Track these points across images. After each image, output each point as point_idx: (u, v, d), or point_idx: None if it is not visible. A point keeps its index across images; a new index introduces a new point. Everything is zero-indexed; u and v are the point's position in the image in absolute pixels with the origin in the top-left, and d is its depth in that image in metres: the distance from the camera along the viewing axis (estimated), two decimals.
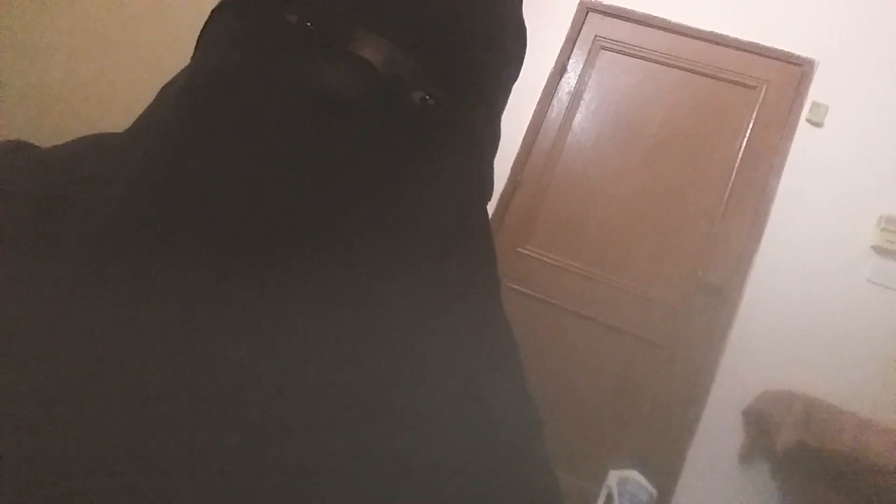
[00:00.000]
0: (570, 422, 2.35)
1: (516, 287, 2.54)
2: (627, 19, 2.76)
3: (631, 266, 2.51)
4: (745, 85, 2.58)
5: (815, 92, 2.50)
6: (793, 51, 2.55)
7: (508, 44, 0.39)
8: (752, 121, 2.54)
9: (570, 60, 2.78)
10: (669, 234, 2.50)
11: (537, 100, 2.75)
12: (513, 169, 2.69)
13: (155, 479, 0.25)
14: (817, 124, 2.48)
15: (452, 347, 0.36)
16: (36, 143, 0.37)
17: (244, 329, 0.28)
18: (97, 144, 0.38)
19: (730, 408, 2.29)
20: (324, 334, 0.30)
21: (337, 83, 0.31)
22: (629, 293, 2.48)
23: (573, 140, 2.71)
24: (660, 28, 2.70)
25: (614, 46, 2.76)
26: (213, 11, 0.37)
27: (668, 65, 2.67)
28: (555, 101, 2.76)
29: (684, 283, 2.44)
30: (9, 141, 0.37)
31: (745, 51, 2.60)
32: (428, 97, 0.33)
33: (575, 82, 2.76)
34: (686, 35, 2.67)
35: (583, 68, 2.76)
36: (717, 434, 2.28)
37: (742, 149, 2.52)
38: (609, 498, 1.99)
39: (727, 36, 2.63)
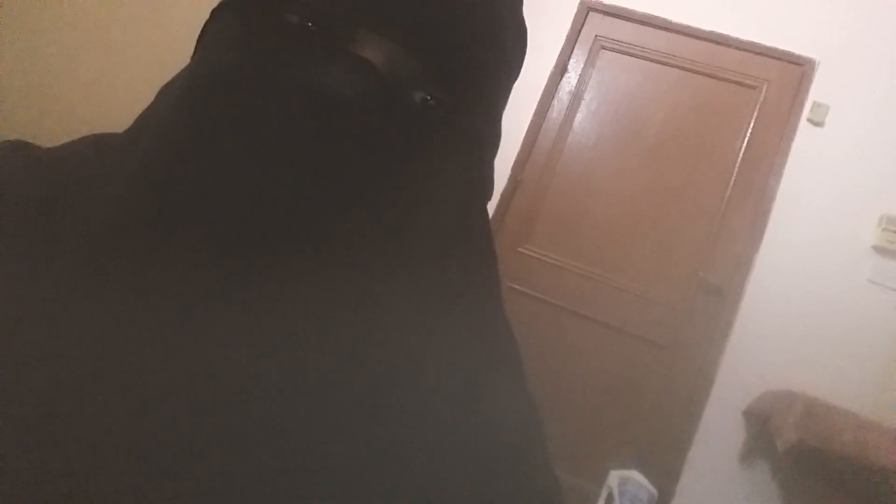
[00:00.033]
0: (571, 422, 2.35)
1: (517, 287, 2.54)
2: (628, 19, 2.76)
3: (631, 266, 2.51)
4: (745, 85, 2.58)
5: (816, 92, 2.50)
6: (793, 50, 2.55)
7: (509, 44, 0.39)
8: (753, 120, 2.54)
9: (571, 60, 2.78)
10: (670, 233, 2.50)
11: (538, 99, 2.75)
12: (513, 169, 2.69)
13: (155, 480, 0.25)
14: (818, 124, 2.48)
15: (453, 347, 0.36)
16: (36, 143, 0.37)
17: (244, 329, 0.28)
18: (97, 144, 0.38)
19: (730, 408, 2.29)
20: (324, 334, 0.30)
21: (338, 83, 0.31)
22: (629, 293, 2.48)
23: (574, 140, 2.71)
24: (660, 28, 2.70)
25: (615, 46, 2.76)
26: (213, 11, 0.37)
27: (668, 64, 2.67)
28: (555, 101, 2.76)
29: (685, 282, 2.44)
30: (9, 141, 0.37)
31: (745, 51, 2.60)
32: (429, 97, 0.33)
33: (575, 82, 2.76)
34: (687, 35, 2.67)
35: (583, 68, 2.76)
36: (718, 434, 2.28)
37: (743, 148, 2.52)
38: (610, 498, 1.99)
39: (728, 36, 2.63)
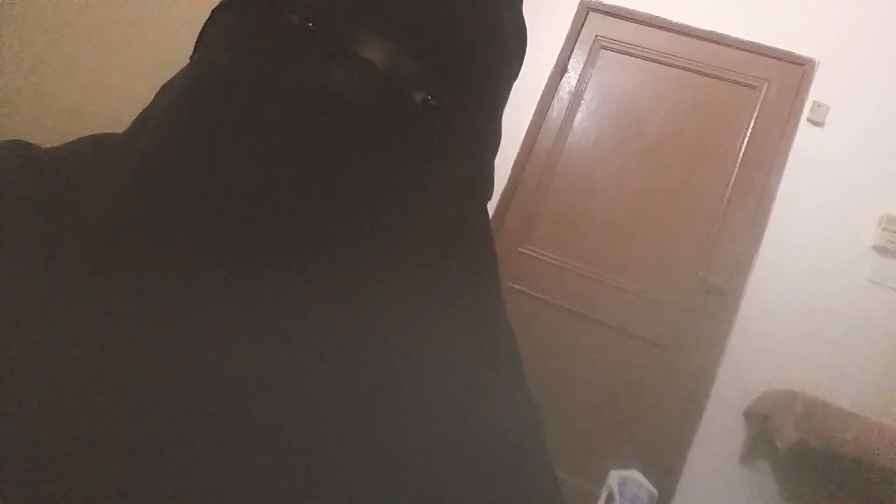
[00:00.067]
0: (571, 422, 2.35)
1: (517, 287, 2.54)
2: (628, 19, 2.76)
3: (632, 266, 2.51)
4: (746, 84, 2.58)
5: (816, 91, 2.51)
6: (794, 50, 2.55)
7: (509, 44, 0.39)
8: (753, 120, 2.54)
9: (571, 60, 2.78)
10: (670, 233, 2.50)
11: (538, 99, 2.75)
12: (513, 169, 2.69)
13: (155, 480, 0.25)
14: (818, 124, 2.48)
15: (453, 347, 0.36)
16: (36, 143, 0.37)
17: (244, 329, 0.28)
18: (97, 144, 0.38)
19: (731, 408, 2.29)
20: (324, 334, 0.30)
21: (339, 84, 0.31)
22: (630, 293, 2.48)
23: (574, 140, 2.71)
24: (660, 28, 2.70)
25: (615, 46, 2.76)
26: (213, 11, 0.37)
27: (668, 64, 2.67)
28: (555, 101, 2.76)
29: (685, 282, 2.44)
30: (9, 141, 0.36)
31: (745, 50, 2.60)
32: (429, 97, 0.33)
33: (575, 82, 2.76)
34: (687, 35, 2.67)
35: (583, 68, 2.76)
36: (718, 434, 2.28)
37: (743, 148, 2.52)
38: (610, 498, 1.99)
39: (728, 35, 2.63)
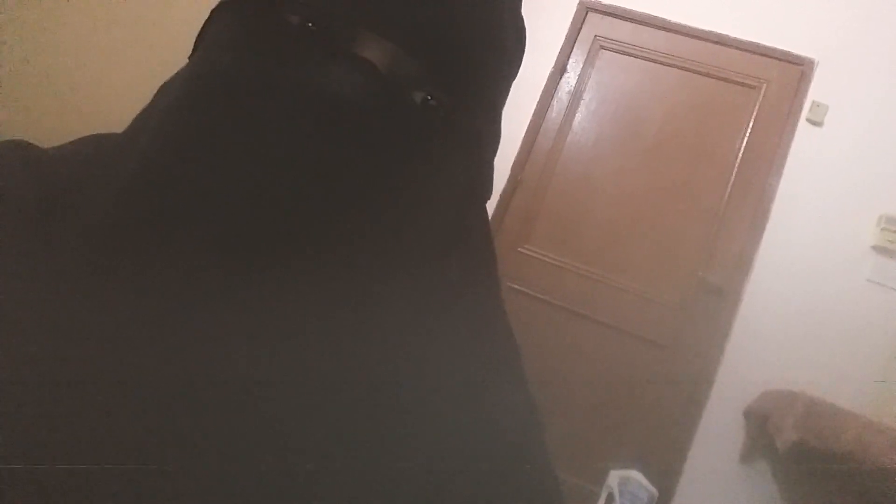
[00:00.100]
0: (571, 422, 2.35)
1: (516, 287, 2.54)
2: (627, 19, 2.76)
3: (631, 266, 2.51)
4: (745, 84, 2.58)
5: (815, 91, 2.51)
6: (793, 50, 2.55)
7: (508, 44, 0.39)
8: (752, 120, 2.54)
9: (570, 60, 2.78)
10: (669, 233, 2.51)
11: (537, 100, 2.75)
12: (513, 169, 2.69)
13: (155, 480, 0.25)
14: (817, 124, 2.48)
15: (453, 348, 0.36)
16: (36, 143, 0.37)
17: (245, 329, 0.28)
18: (97, 144, 0.38)
19: (730, 408, 2.29)
20: (324, 334, 0.30)
21: (338, 83, 0.31)
22: (629, 293, 2.48)
23: (573, 140, 2.71)
24: (659, 28, 2.70)
25: (614, 46, 2.76)
26: (212, 11, 0.37)
27: (667, 64, 2.67)
28: (555, 101, 2.76)
29: (684, 282, 2.44)
30: (9, 141, 0.36)
31: (745, 50, 2.60)
32: (429, 97, 0.33)
33: (575, 82, 2.76)
34: (686, 35, 2.67)
35: (582, 68, 2.76)
36: (718, 434, 2.28)
37: (742, 148, 2.52)
38: (610, 498, 1.99)
39: (727, 35, 2.63)
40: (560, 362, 2.44)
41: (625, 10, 2.76)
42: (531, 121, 2.73)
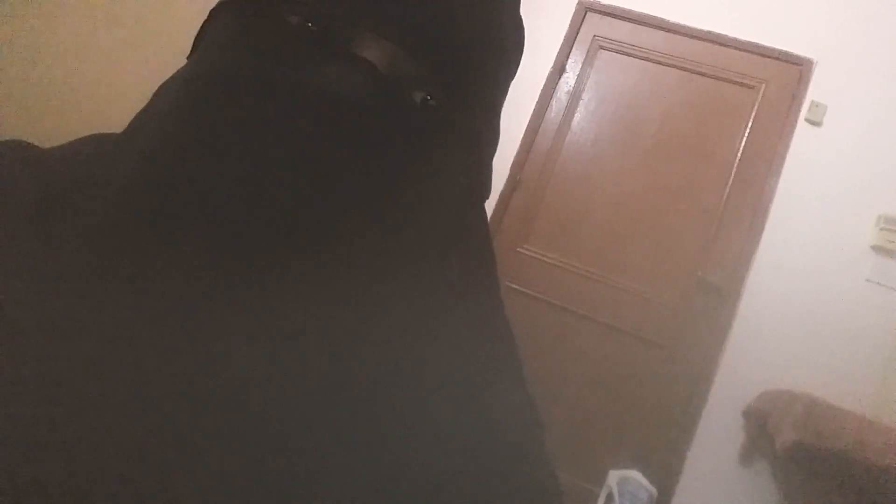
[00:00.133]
0: (570, 422, 2.35)
1: (515, 287, 2.54)
2: (626, 19, 2.76)
3: (630, 266, 2.51)
4: (743, 84, 2.58)
5: (814, 91, 2.51)
6: (791, 50, 2.56)
7: (507, 44, 0.39)
8: (751, 120, 2.54)
9: (569, 60, 2.78)
10: (668, 233, 2.51)
11: (536, 100, 2.75)
12: (512, 169, 2.69)
13: (155, 480, 0.25)
14: (816, 124, 2.48)
15: (453, 347, 0.36)
16: (36, 143, 0.37)
17: (245, 329, 0.28)
18: (97, 144, 0.38)
19: (730, 407, 2.29)
20: (324, 334, 0.30)
21: (338, 84, 0.31)
22: (628, 293, 2.48)
23: (572, 140, 2.71)
24: (658, 28, 2.71)
25: (613, 46, 2.76)
26: (211, 11, 0.37)
27: (666, 64, 2.68)
28: (553, 101, 2.76)
29: (683, 282, 2.44)
30: (9, 141, 0.36)
31: (743, 50, 2.60)
32: (429, 97, 0.33)
33: (574, 82, 2.76)
34: (684, 35, 2.67)
35: (581, 68, 2.77)
36: (717, 434, 2.28)
37: (741, 148, 2.53)
38: (609, 497, 1.99)
39: (726, 35, 2.63)
40: (559, 362, 2.44)
41: (624, 10, 2.76)
42: (530, 121, 2.73)
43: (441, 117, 0.34)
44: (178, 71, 0.36)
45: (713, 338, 2.36)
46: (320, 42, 0.32)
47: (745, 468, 2.24)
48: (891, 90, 2.44)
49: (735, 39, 2.62)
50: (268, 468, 0.27)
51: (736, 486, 2.22)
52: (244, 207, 0.29)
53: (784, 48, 2.56)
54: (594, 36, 2.78)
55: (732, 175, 2.51)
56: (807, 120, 2.49)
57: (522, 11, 0.42)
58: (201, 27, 0.38)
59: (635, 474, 2.01)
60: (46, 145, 0.38)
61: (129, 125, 0.36)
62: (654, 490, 1.97)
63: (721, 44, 2.63)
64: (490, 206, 2.60)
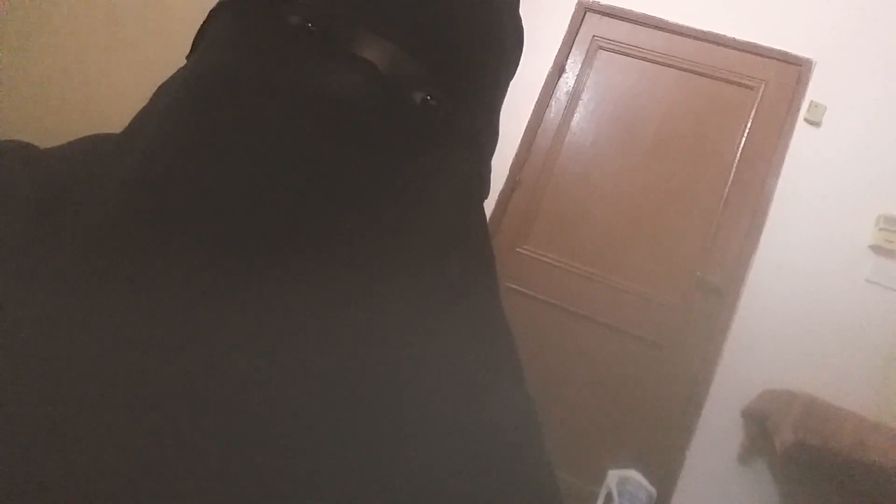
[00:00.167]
0: (569, 422, 2.35)
1: (515, 287, 2.55)
2: (625, 19, 2.76)
3: (630, 266, 2.51)
4: (743, 85, 2.58)
5: (813, 92, 2.51)
6: (790, 51, 2.56)
7: (507, 44, 0.39)
8: (751, 121, 2.54)
9: (569, 60, 2.79)
10: (668, 233, 2.51)
11: (536, 100, 2.75)
12: (511, 169, 2.69)
13: (154, 480, 0.25)
14: (815, 124, 2.48)
15: (452, 348, 0.36)
16: (36, 143, 0.37)
17: (244, 329, 0.28)
18: (97, 144, 0.38)
19: (729, 407, 2.29)
20: (324, 334, 0.30)
21: (338, 84, 0.31)
22: (628, 293, 2.48)
23: (571, 140, 2.71)
24: (657, 28, 2.71)
25: (612, 46, 2.76)
26: (211, 11, 0.37)
27: (665, 65, 2.68)
28: (553, 102, 2.76)
29: (683, 282, 2.44)
30: (9, 141, 0.37)
31: (742, 51, 2.61)
32: (429, 97, 0.33)
33: (573, 82, 2.76)
34: (684, 35, 2.68)
35: (581, 68, 2.77)
36: (717, 433, 2.28)
37: (740, 149, 2.53)
38: (609, 497, 2.00)
39: (725, 36, 2.63)
40: (558, 362, 2.44)
41: (623, 10, 2.76)
42: (529, 121, 2.73)
43: (441, 117, 0.34)
44: (177, 71, 0.36)
45: (712, 337, 2.36)
46: (320, 42, 0.32)
47: (745, 468, 2.24)
48: (890, 90, 2.44)
49: (734, 40, 2.62)
50: (267, 468, 0.27)
51: (735, 486, 2.22)
52: (244, 207, 0.29)
53: (783, 48, 2.57)
54: (593, 36, 2.79)
55: (732, 175, 2.51)
56: (806, 120, 2.49)
57: (522, 11, 0.42)
58: (201, 27, 0.38)
59: (634, 474, 2.01)
60: (46, 145, 0.38)
61: (129, 125, 0.36)
62: (653, 490, 1.97)
63: (720, 44, 2.63)
64: (489, 206, 2.60)
